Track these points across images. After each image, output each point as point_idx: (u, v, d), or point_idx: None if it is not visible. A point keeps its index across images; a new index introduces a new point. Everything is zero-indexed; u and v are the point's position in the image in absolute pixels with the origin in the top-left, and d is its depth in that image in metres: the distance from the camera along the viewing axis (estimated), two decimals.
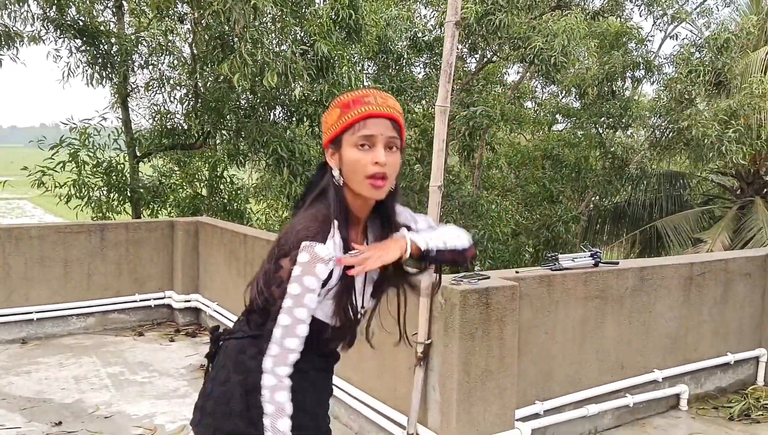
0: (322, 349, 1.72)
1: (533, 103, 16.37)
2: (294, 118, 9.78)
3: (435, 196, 3.18)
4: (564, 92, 15.23)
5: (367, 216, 1.70)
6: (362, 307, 1.74)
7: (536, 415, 3.57)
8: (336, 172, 1.61)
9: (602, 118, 13.20)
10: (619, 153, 13.79)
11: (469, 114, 10.26)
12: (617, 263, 4.06)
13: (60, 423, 3.91)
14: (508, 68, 15.07)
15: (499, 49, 11.62)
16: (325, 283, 1.57)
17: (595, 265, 3.87)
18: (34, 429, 3.85)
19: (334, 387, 1.93)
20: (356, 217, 1.67)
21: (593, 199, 14.99)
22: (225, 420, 1.65)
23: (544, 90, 16.72)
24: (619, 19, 13.96)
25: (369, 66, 12.09)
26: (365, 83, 11.31)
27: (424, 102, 12.20)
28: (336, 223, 1.58)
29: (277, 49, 8.49)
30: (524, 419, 3.47)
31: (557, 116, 15.56)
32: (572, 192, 14.54)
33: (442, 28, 12.08)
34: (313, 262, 1.53)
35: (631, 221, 14.86)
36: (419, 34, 12.42)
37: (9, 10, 8.65)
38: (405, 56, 12.16)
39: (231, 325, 5.35)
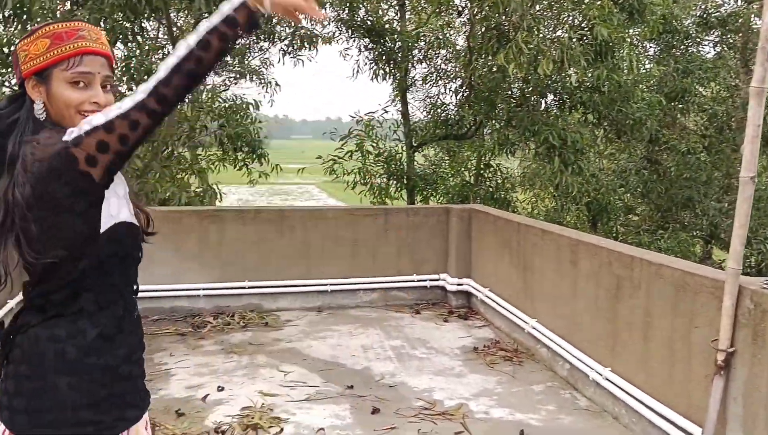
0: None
1: None
2: (566, 106, 9.55)
3: (747, 189, 2.84)
4: None
5: None
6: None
7: None
8: (39, 106, 1.50)
9: None
10: None
11: None
12: None
13: (352, 387, 4.32)
14: None
15: None
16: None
17: None
18: (330, 389, 4.31)
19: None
20: None
21: None
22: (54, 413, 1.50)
23: None
24: None
25: (650, 47, 11.27)
26: (646, 66, 10.58)
27: (713, 84, 11.03)
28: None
29: (553, 35, 8.34)
30: None
31: None
32: None
33: (738, 2, 10.77)
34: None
35: None
36: (710, 10, 11.24)
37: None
38: (692, 35, 11.10)
39: (501, 311, 5.43)
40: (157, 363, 4.66)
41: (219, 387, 4.24)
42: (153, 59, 8.77)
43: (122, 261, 1.58)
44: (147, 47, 7.65)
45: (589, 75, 8.37)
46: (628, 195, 12.03)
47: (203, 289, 5.85)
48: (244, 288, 5.97)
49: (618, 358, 3.86)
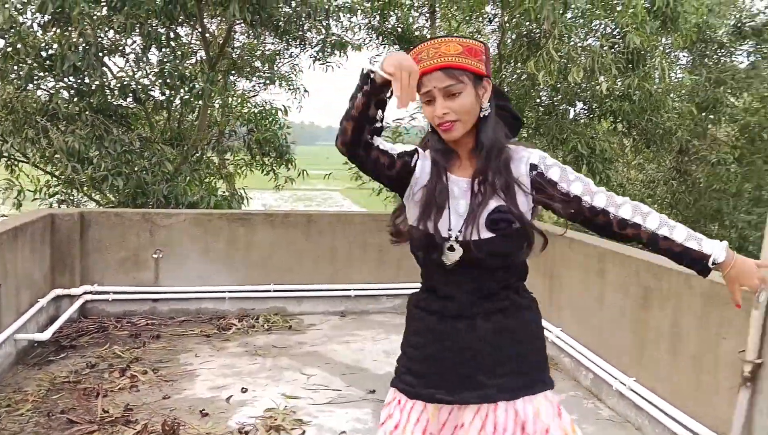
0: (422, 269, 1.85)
1: None
2: (596, 114, 9.49)
3: None
4: None
5: (470, 150, 1.77)
6: (451, 229, 1.75)
7: None
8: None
9: None
10: None
11: None
12: None
13: (374, 391, 4.33)
14: None
15: None
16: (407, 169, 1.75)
17: None
18: (352, 393, 4.32)
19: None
20: (454, 151, 1.78)
21: None
22: None
23: None
24: None
25: (683, 56, 11.14)
26: (678, 75, 10.47)
27: (746, 94, 10.86)
28: (427, 149, 1.79)
29: (584, 43, 8.31)
30: None
31: None
32: None
33: None
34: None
35: None
36: (744, 20, 11.07)
37: (340, 21, 9.82)
38: (726, 44, 10.94)
39: None
40: (183, 363, 4.73)
41: (243, 388, 4.28)
42: (186, 64, 8.94)
43: (421, 257, 1.84)
44: (180, 52, 7.77)
45: (620, 84, 8.31)
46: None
47: (229, 292, 5.92)
48: (269, 291, 6.02)
49: (644, 368, 3.82)
